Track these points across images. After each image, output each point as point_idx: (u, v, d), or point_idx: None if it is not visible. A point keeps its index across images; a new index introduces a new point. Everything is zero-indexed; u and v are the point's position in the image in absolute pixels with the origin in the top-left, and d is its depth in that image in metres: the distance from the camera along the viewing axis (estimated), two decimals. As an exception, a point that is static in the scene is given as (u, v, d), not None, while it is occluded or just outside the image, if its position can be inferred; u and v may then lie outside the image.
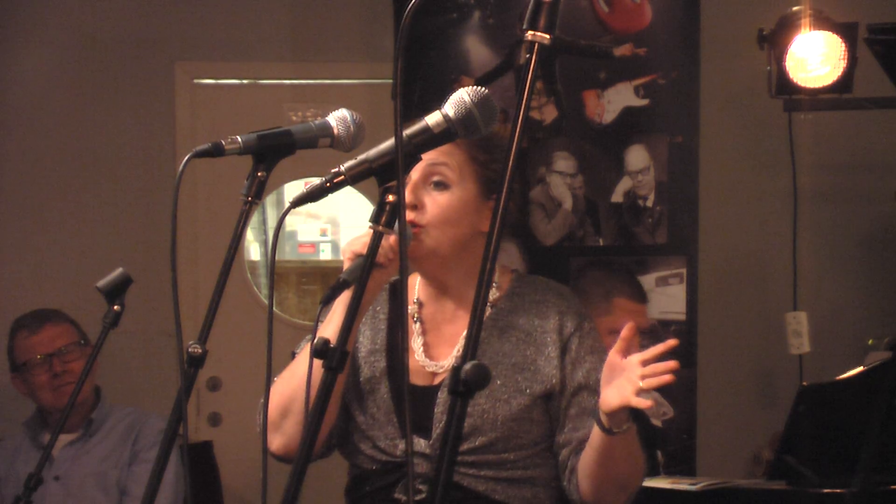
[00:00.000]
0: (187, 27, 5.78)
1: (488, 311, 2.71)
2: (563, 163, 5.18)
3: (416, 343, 2.75)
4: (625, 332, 2.48)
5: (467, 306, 2.71)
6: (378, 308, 2.82)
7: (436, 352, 2.74)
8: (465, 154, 2.66)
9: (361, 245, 2.51)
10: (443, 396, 2.67)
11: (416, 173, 2.67)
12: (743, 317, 5.57)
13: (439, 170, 2.65)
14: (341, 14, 5.78)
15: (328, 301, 2.30)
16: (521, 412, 2.64)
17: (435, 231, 2.65)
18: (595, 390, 2.63)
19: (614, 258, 5.11)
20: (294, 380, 2.66)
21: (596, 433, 2.54)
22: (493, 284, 2.72)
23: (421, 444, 2.66)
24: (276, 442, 2.68)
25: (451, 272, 2.72)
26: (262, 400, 2.74)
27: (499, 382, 2.64)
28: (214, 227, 5.68)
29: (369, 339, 2.78)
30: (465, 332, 2.68)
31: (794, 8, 4.86)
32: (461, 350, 2.67)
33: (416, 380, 2.71)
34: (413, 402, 2.69)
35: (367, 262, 2.14)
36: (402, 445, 2.68)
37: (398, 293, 2.81)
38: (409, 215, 2.66)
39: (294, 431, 2.64)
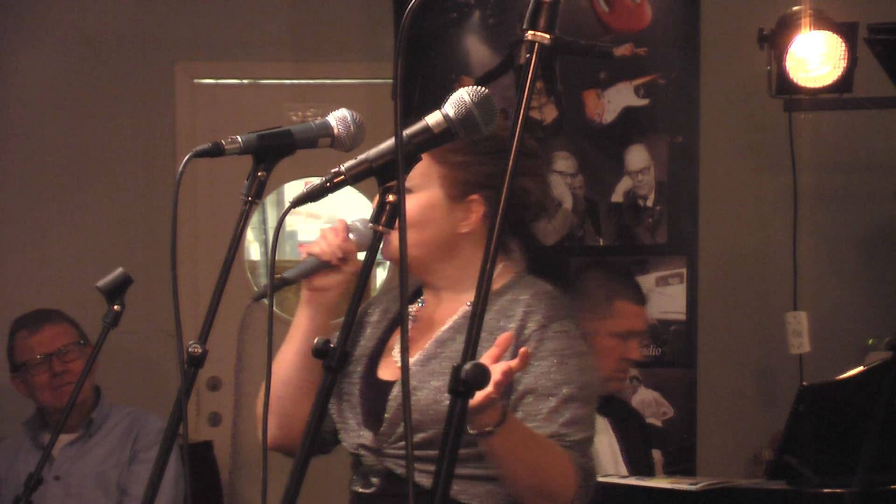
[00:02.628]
0: (187, 27, 5.78)
1: (465, 307, 2.72)
2: (563, 163, 5.18)
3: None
4: (502, 339, 2.42)
5: (450, 307, 2.73)
6: (390, 307, 2.86)
7: (413, 348, 2.74)
8: (429, 158, 2.64)
9: (313, 244, 2.59)
10: (395, 391, 2.68)
11: None
12: (743, 317, 5.57)
13: None
14: (341, 14, 5.78)
15: (260, 297, 2.35)
16: None
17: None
18: (544, 395, 2.59)
19: (612, 258, 5.11)
20: (274, 377, 2.65)
21: None
22: None
23: (368, 436, 2.69)
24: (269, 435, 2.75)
25: (437, 274, 2.73)
26: (257, 400, 2.79)
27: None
28: (214, 227, 5.68)
29: (366, 336, 2.81)
30: (435, 335, 2.70)
31: (794, 8, 4.86)
32: (427, 350, 2.71)
33: (385, 375, 2.74)
34: (373, 396, 2.72)
35: (367, 261, 2.14)
36: (359, 438, 2.70)
37: (416, 293, 2.83)
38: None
39: (272, 424, 2.64)
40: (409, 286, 2.91)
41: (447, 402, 2.58)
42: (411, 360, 2.73)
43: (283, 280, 2.54)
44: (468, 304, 2.71)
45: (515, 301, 2.68)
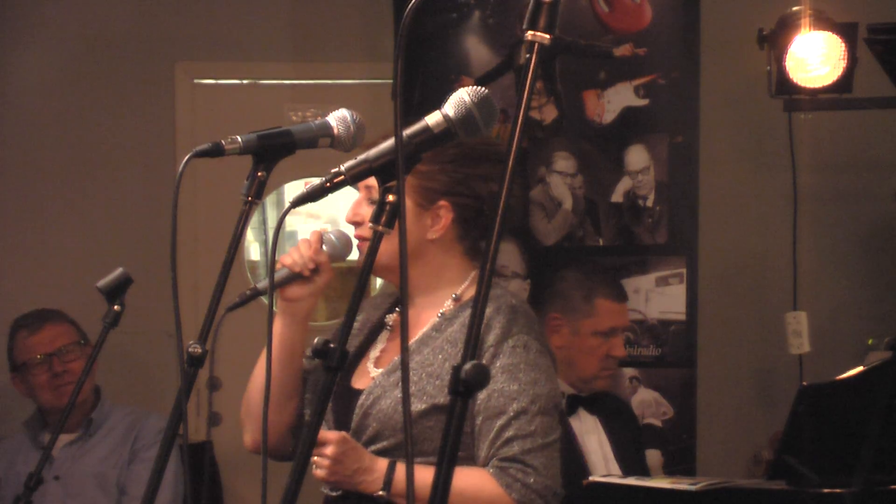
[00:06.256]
0: (187, 27, 5.78)
1: (435, 319, 2.74)
2: (563, 163, 5.18)
3: (376, 349, 2.83)
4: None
5: (426, 315, 2.76)
6: (371, 315, 2.90)
7: (386, 358, 2.80)
8: None
9: (285, 255, 2.69)
10: (361, 400, 2.71)
11: (361, 192, 2.77)
12: (743, 317, 5.57)
13: (373, 186, 2.68)
14: (341, 14, 5.78)
15: (233, 308, 2.41)
16: (417, 416, 2.64)
17: None
18: (494, 414, 2.63)
19: (612, 258, 5.11)
20: (252, 383, 2.86)
21: None
22: (453, 296, 2.76)
23: None
24: (248, 438, 2.86)
25: (409, 282, 2.75)
26: (242, 402, 2.84)
27: (412, 388, 2.66)
28: (214, 227, 5.68)
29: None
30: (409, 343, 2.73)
31: (794, 8, 4.86)
32: (395, 361, 2.73)
33: (357, 384, 2.78)
34: (344, 404, 2.75)
35: (367, 262, 2.14)
36: None
37: (395, 302, 2.85)
38: (357, 231, 2.78)
39: (251, 429, 2.85)
40: (389, 294, 2.93)
41: (401, 412, 2.62)
42: (378, 370, 2.75)
43: (255, 291, 2.60)
44: (439, 314, 2.74)
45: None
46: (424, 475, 2.44)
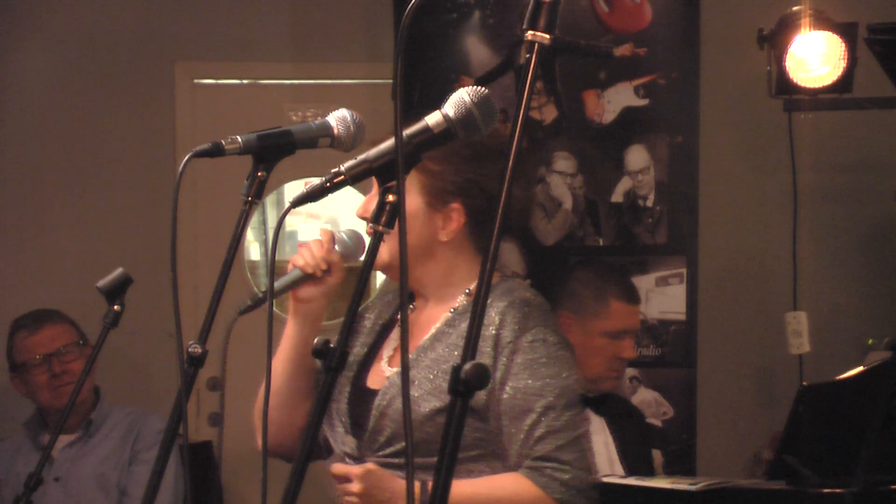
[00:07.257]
0: (187, 27, 5.78)
1: (447, 314, 2.73)
2: (563, 163, 5.18)
3: (389, 348, 2.81)
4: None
5: (438, 311, 2.75)
6: (383, 312, 2.88)
7: (398, 357, 2.77)
8: None
9: (297, 256, 2.67)
10: (377, 400, 2.70)
11: (374, 186, 2.73)
12: (743, 317, 5.57)
13: None
14: (341, 14, 5.78)
15: (245, 311, 2.41)
16: (433, 414, 2.62)
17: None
18: (521, 413, 2.61)
19: (612, 258, 5.11)
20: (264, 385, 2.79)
21: None
22: (466, 292, 2.74)
23: (352, 443, 2.71)
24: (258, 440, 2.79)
25: (419, 281, 2.75)
26: (254, 406, 2.83)
27: (427, 386, 2.65)
28: (214, 227, 5.67)
29: (358, 343, 2.84)
30: (418, 343, 2.72)
31: (794, 8, 4.86)
32: (411, 358, 2.72)
33: (372, 383, 2.76)
34: (359, 404, 2.74)
35: (367, 263, 2.14)
36: (343, 446, 2.74)
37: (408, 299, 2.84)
38: (369, 230, 2.72)
39: (269, 429, 2.73)
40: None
41: (422, 411, 2.61)
42: (392, 370, 2.74)
43: (265, 296, 2.58)
44: (451, 310, 2.73)
45: (492, 307, 2.67)
46: (463, 488, 2.44)
